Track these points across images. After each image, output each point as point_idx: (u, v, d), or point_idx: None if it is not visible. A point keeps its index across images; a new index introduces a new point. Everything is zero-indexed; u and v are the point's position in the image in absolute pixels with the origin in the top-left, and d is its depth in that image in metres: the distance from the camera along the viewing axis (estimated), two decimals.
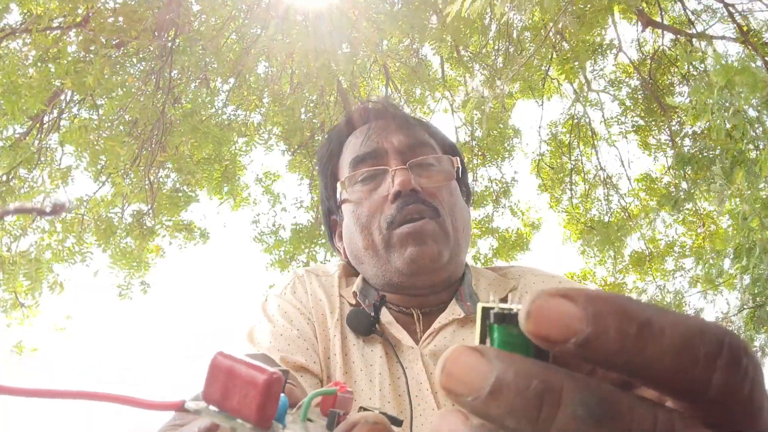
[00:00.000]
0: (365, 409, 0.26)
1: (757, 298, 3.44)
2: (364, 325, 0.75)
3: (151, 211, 4.23)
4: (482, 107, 4.42)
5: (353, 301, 0.80)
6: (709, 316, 4.06)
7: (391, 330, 0.76)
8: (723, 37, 4.28)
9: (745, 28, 4.21)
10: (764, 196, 2.84)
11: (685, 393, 0.18)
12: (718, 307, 3.92)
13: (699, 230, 5.12)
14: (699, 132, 4.32)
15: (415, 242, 0.73)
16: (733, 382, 0.17)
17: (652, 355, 0.17)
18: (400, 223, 0.74)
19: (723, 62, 2.47)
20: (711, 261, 3.46)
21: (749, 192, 2.84)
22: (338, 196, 0.83)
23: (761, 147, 2.92)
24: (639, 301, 0.18)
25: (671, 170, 4.61)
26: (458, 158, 0.84)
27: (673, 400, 0.19)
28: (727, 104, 2.54)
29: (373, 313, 0.76)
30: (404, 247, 0.74)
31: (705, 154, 3.56)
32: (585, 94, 5.10)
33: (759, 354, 3.81)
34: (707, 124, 2.75)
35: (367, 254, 0.78)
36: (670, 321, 0.17)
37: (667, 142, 5.10)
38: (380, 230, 0.76)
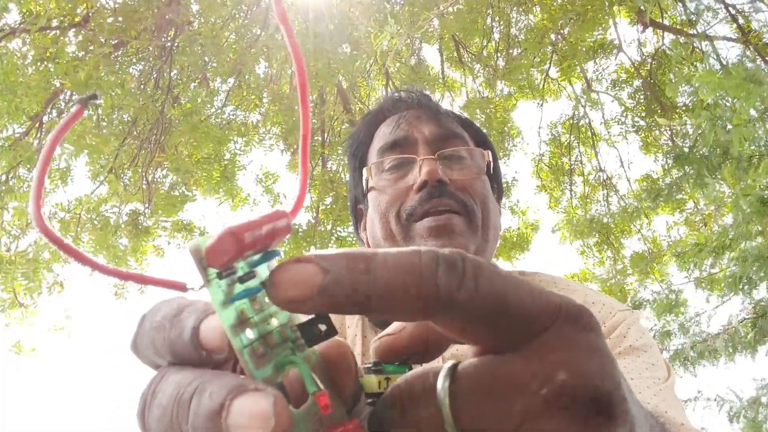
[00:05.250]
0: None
1: (759, 306, 3.40)
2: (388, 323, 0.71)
3: (147, 210, 4.22)
4: (484, 108, 4.41)
5: None
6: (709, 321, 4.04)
7: None
8: (724, 38, 4.26)
9: (746, 28, 4.19)
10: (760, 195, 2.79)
11: (429, 306, 0.20)
12: (720, 313, 3.88)
13: (701, 230, 5.09)
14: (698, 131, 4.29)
15: (438, 236, 0.69)
16: (455, 281, 0.19)
17: (384, 278, 0.19)
18: (422, 216, 0.70)
19: (714, 78, 2.44)
20: (694, 260, 3.40)
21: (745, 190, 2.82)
22: (365, 184, 0.79)
23: (760, 146, 2.90)
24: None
25: (669, 169, 4.57)
26: (490, 152, 0.80)
27: (433, 321, 0.21)
28: (726, 109, 2.52)
29: None
30: (425, 240, 0.69)
31: (698, 151, 3.52)
32: (585, 95, 5.09)
33: (753, 354, 3.78)
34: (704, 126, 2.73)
35: (386, 245, 0.74)
36: (391, 252, 0.20)
37: (667, 142, 5.08)
38: (398, 219, 0.72)
